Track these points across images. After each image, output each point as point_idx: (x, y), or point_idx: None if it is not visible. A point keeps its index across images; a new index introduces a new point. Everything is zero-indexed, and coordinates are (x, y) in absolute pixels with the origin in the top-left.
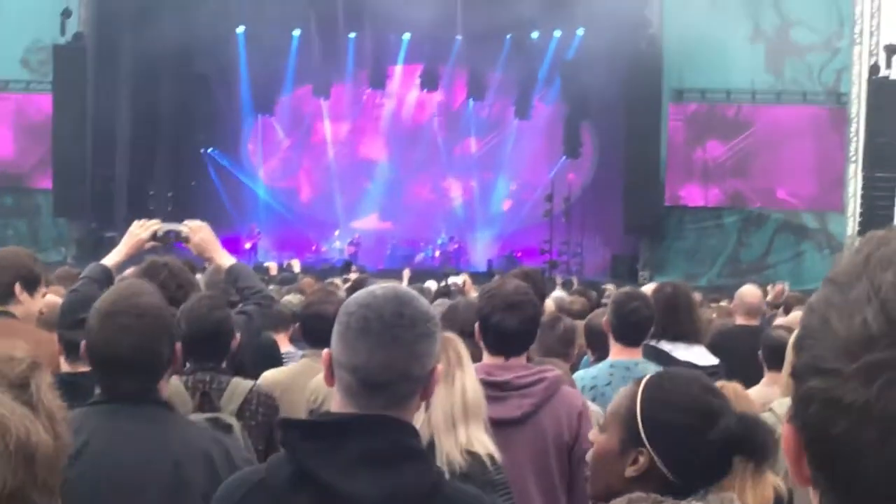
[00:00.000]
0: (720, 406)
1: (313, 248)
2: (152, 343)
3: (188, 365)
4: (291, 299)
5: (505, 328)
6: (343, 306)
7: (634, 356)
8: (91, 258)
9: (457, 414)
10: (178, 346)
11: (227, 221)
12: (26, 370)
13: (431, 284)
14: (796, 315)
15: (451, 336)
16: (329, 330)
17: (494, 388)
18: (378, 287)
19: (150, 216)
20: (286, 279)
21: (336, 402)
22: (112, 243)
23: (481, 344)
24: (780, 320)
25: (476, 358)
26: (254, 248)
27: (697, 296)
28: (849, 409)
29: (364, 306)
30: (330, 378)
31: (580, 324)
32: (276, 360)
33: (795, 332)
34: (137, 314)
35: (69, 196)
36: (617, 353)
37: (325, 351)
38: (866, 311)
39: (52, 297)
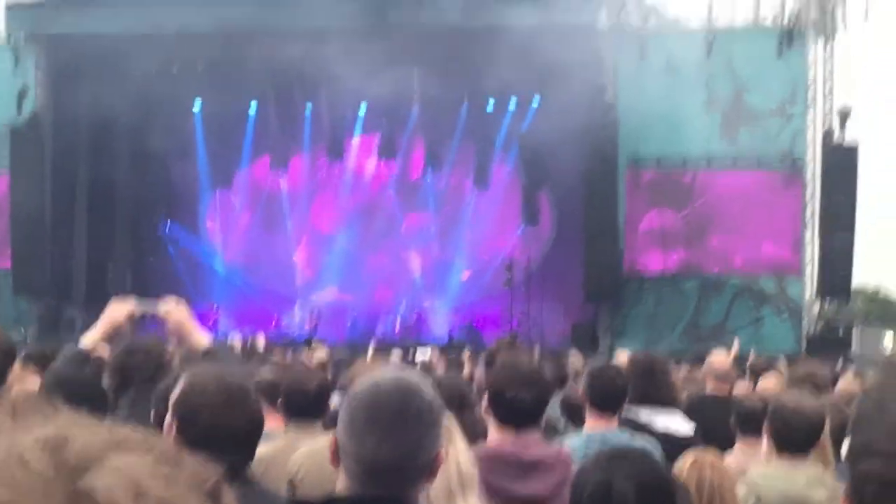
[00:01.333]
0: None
1: (273, 322)
2: (258, 416)
3: None
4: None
5: (520, 402)
6: (348, 396)
7: (611, 426)
8: (52, 337)
9: (454, 486)
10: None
11: (185, 297)
12: (217, 482)
13: (396, 355)
14: (767, 384)
15: (447, 425)
16: (309, 404)
17: (519, 466)
18: (382, 380)
19: (109, 294)
20: (250, 356)
21: (343, 484)
22: (72, 322)
23: (490, 416)
24: (742, 384)
25: (465, 428)
26: (214, 323)
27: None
28: None
29: (369, 406)
30: (335, 461)
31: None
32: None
33: (852, 416)
34: (244, 390)
35: (28, 275)
36: (593, 422)
37: (332, 437)
38: None
39: (29, 381)
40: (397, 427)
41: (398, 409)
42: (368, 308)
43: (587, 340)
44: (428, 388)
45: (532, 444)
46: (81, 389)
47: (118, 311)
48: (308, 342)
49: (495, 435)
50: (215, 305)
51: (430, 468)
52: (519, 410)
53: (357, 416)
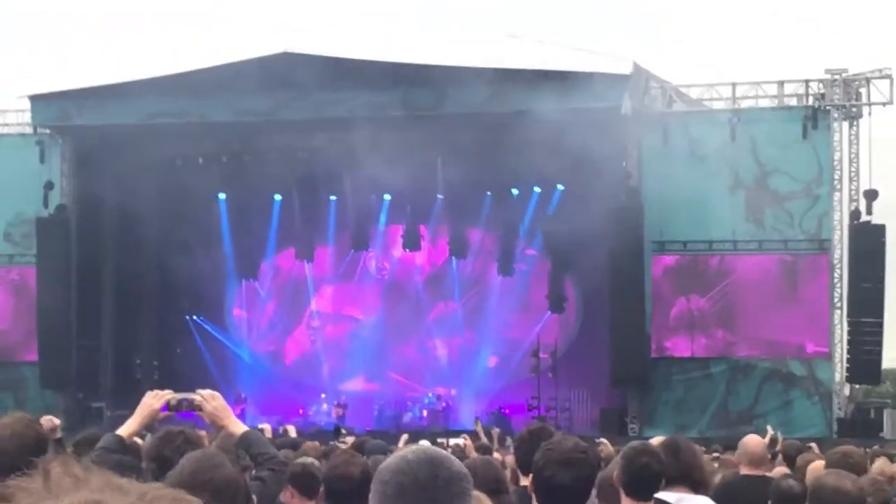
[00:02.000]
0: None
1: (300, 411)
2: None
3: None
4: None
5: (558, 483)
6: (377, 474)
7: None
8: (79, 429)
9: None
10: None
11: (213, 387)
12: None
13: (426, 445)
14: (805, 465)
15: (479, 494)
16: (352, 491)
17: None
18: (410, 451)
19: (136, 385)
20: (284, 444)
21: None
22: (99, 413)
23: (534, 499)
24: (778, 469)
25: None
26: (242, 413)
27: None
28: None
29: (399, 473)
30: None
31: None
32: None
33: None
34: (216, 490)
35: (55, 367)
36: None
37: None
38: None
39: None
40: (426, 496)
41: (427, 478)
42: (395, 397)
43: (615, 425)
44: (457, 461)
45: None
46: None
47: (154, 401)
48: (337, 431)
49: None
50: (243, 395)
51: None
52: (557, 491)
53: (387, 488)
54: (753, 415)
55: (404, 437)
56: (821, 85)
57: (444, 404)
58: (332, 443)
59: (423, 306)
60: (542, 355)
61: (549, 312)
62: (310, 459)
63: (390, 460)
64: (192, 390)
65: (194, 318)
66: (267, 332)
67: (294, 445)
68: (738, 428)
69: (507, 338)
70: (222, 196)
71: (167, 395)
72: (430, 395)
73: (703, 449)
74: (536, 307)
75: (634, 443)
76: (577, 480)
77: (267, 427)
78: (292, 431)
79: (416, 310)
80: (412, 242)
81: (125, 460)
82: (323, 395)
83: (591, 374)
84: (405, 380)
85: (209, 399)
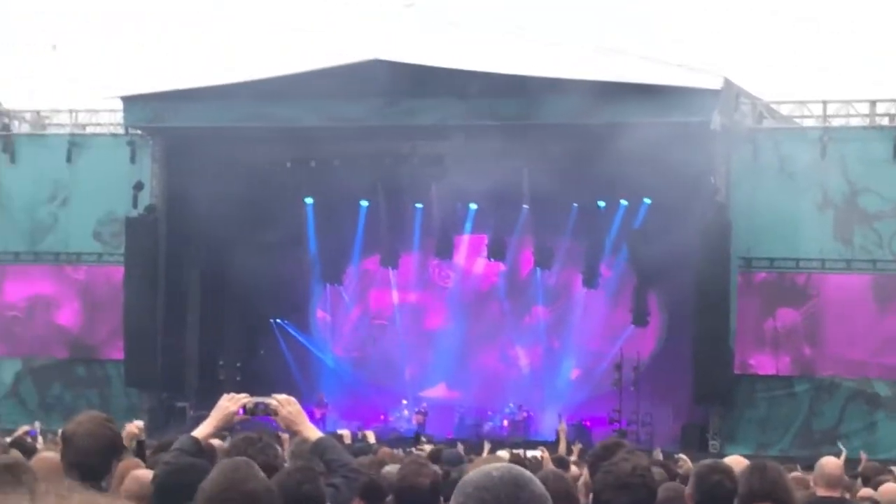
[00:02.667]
0: None
1: (381, 417)
2: None
3: None
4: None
5: None
6: (460, 485)
7: None
8: (163, 428)
9: None
10: None
11: (295, 391)
12: None
13: (504, 455)
14: (888, 487)
15: None
16: (421, 501)
17: None
18: (494, 468)
19: (220, 386)
20: (361, 449)
21: None
22: (183, 413)
23: None
24: (863, 492)
25: None
26: (323, 418)
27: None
28: None
29: (482, 489)
30: None
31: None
32: None
33: None
34: (245, 500)
35: (140, 366)
36: None
37: None
38: None
39: (140, 472)
40: None
41: (509, 498)
42: (476, 405)
43: (697, 442)
44: (539, 484)
45: None
46: (197, 477)
47: (230, 404)
48: (416, 438)
49: None
50: (325, 399)
51: None
52: None
53: (468, 501)
54: (837, 435)
55: (487, 445)
56: None
57: (524, 414)
58: (410, 450)
59: (507, 316)
60: (624, 369)
61: (633, 326)
62: (387, 468)
63: (475, 475)
64: (275, 392)
65: (278, 320)
66: (350, 337)
67: (369, 452)
68: (821, 448)
69: (589, 350)
70: (309, 200)
71: (243, 398)
72: (511, 405)
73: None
74: (620, 320)
75: (707, 460)
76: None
77: (346, 433)
78: (371, 437)
79: (499, 319)
80: (497, 252)
81: (198, 463)
82: (404, 402)
83: (674, 390)
84: (486, 388)
85: (284, 404)
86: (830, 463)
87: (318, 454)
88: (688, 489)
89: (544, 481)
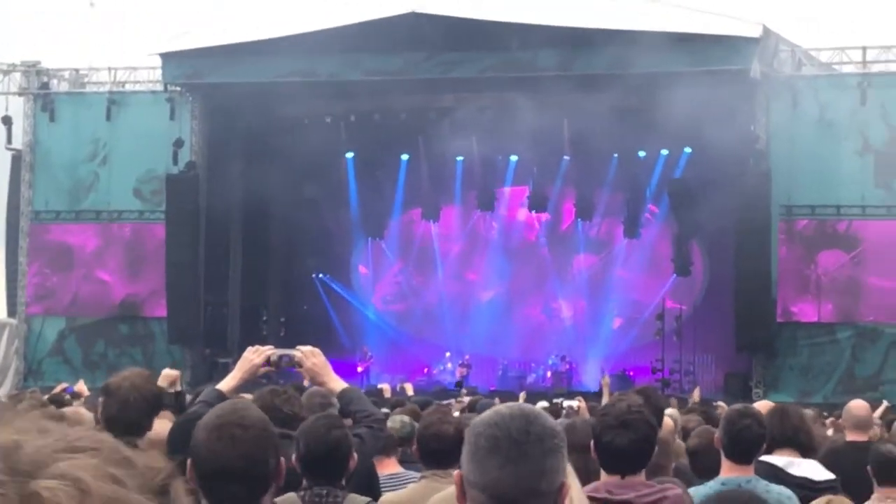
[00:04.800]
0: None
1: (424, 370)
2: (259, 453)
3: (305, 483)
4: (395, 423)
5: (616, 447)
6: (471, 427)
7: (746, 473)
8: (206, 384)
9: None
10: (283, 461)
11: (339, 345)
12: (167, 477)
13: (543, 406)
14: None
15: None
16: (446, 450)
17: None
18: (504, 406)
19: (263, 341)
20: (398, 402)
21: None
22: (226, 369)
23: (598, 462)
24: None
25: (594, 474)
26: (366, 371)
27: (809, 411)
28: None
29: (492, 425)
30: (462, 497)
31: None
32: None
33: None
34: (243, 426)
35: (183, 323)
36: (728, 470)
37: (457, 472)
38: None
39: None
40: (519, 450)
41: (520, 432)
42: (519, 357)
43: (740, 390)
44: (550, 418)
45: (633, 487)
46: None
47: (255, 357)
48: (458, 388)
49: (604, 480)
50: (368, 353)
51: (553, 500)
52: (616, 454)
53: (479, 443)
54: (880, 381)
55: (522, 394)
56: None
57: (567, 366)
58: (449, 401)
59: (548, 268)
60: (666, 319)
61: (675, 275)
62: (400, 418)
63: (485, 414)
64: (318, 347)
65: (320, 275)
66: (392, 290)
67: (399, 404)
68: (864, 395)
69: (631, 300)
70: (350, 155)
71: (268, 350)
72: (553, 356)
73: (825, 414)
74: (662, 270)
75: (736, 405)
76: (635, 442)
77: (386, 386)
78: (409, 390)
79: (540, 271)
80: (538, 204)
81: None
82: (447, 355)
83: (716, 339)
84: (529, 340)
85: (309, 355)
86: (856, 405)
87: (343, 405)
88: (717, 433)
89: (572, 427)
